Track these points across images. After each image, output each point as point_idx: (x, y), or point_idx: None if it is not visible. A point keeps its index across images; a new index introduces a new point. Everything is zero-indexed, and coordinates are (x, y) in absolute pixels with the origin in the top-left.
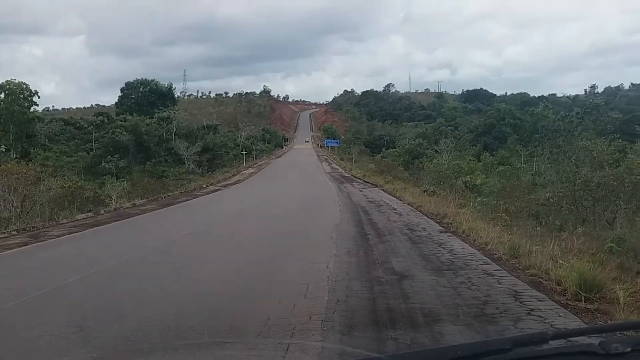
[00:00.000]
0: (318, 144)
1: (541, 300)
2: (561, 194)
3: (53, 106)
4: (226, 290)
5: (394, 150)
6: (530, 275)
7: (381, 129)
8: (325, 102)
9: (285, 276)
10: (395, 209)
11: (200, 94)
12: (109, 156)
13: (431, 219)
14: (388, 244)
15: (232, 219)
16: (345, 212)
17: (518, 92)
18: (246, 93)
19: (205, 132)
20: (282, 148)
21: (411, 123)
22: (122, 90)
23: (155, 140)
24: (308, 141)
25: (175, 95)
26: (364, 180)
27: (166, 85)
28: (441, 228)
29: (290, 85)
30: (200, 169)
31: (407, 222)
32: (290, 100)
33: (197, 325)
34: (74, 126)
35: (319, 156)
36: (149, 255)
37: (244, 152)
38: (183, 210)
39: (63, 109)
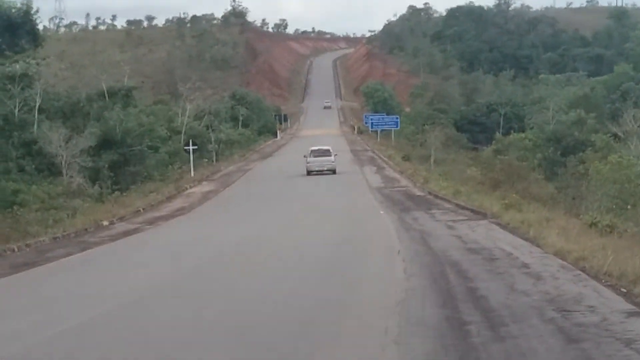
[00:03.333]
0: (354, 126)
1: None
2: None
3: None
4: None
5: (522, 135)
6: None
7: (492, 90)
8: (367, 35)
9: None
10: (526, 266)
11: (94, 22)
12: None
13: (606, 285)
14: (513, 344)
15: (167, 303)
16: (418, 274)
17: None
18: (194, 18)
19: (106, 104)
20: (276, 137)
21: (559, 75)
22: None
23: None
24: (329, 105)
25: (40, 27)
26: (455, 204)
27: (19, 6)
28: (629, 306)
29: (290, 0)
30: (98, 185)
31: (553, 294)
32: (291, 32)
33: None
34: None
35: (357, 152)
36: None
37: (190, 148)
38: (57, 280)
39: None
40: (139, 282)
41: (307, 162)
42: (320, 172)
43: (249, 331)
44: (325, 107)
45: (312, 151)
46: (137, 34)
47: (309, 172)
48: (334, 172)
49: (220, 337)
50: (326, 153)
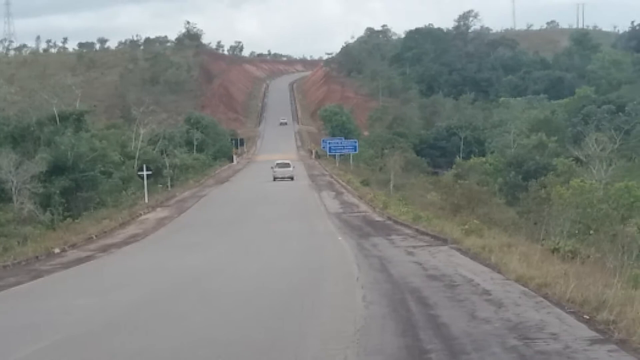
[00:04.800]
0: (312, 151)
1: None
2: None
3: None
4: None
5: (483, 160)
6: None
7: (452, 114)
8: (325, 58)
9: None
10: (487, 292)
11: (44, 45)
12: None
13: (569, 312)
14: None
15: (118, 336)
16: (377, 302)
17: None
18: (147, 41)
19: (57, 129)
20: (232, 161)
21: (520, 99)
22: None
23: None
24: (285, 122)
25: None
26: (415, 229)
27: None
28: (592, 333)
29: (246, 22)
30: (49, 212)
31: (515, 322)
32: (247, 55)
33: None
34: None
35: (315, 177)
36: None
37: (144, 173)
38: (6, 309)
39: None
40: (90, 312)
41: (274, 171)
42: (282, 179)
43: None
44: (281, 124)
45: (277, 164)
46: (89, 56)
47: (275, 179)
48: (292, 178)
49: None
50: (287, 165)
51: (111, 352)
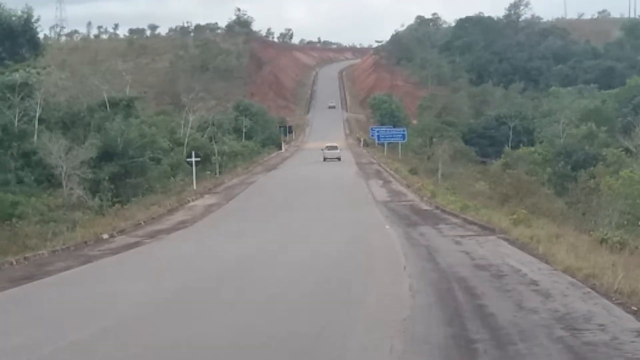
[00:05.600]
0: (360, 139)
1: None
2: None
3: None
4: None
5: (532, 149)
6: None
7: (502, 103)
8: (375, 46)
9: None
10: (535, 282)
11: (95, 31)
12: None
13: (617, 303)
14: None
15: (167, 321)
16: (424, 291)
17: None
18: (197, 27)
19: (107, 115)
20: (280, 149)
21: (570, 88)
22: None
23: None
24: (333, 105)
25: (40, 35)
26: (463, 219)
27: (19, 14)
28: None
29: (296, 9)
30: (98, 198)
31: (562, 312)
32: (296, 42)
33: None
34: None
35: (362, 165)
36: None
37: (193, 160)
38: (56, 294)
39: None
40: (138, 298)
41: (324, 153)
42: (331, 159)
43: (250, 350)
44: (329, 107)
45: (327, 146)
46: (140, 43)
47: (325, 159)
48: (339, 159)
49: (221, 358)
50: (335, 148)
51: (160, 338)
